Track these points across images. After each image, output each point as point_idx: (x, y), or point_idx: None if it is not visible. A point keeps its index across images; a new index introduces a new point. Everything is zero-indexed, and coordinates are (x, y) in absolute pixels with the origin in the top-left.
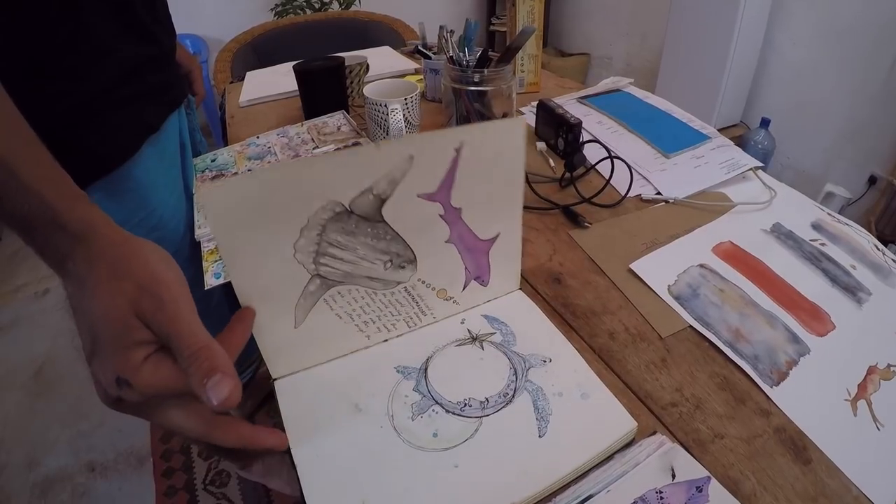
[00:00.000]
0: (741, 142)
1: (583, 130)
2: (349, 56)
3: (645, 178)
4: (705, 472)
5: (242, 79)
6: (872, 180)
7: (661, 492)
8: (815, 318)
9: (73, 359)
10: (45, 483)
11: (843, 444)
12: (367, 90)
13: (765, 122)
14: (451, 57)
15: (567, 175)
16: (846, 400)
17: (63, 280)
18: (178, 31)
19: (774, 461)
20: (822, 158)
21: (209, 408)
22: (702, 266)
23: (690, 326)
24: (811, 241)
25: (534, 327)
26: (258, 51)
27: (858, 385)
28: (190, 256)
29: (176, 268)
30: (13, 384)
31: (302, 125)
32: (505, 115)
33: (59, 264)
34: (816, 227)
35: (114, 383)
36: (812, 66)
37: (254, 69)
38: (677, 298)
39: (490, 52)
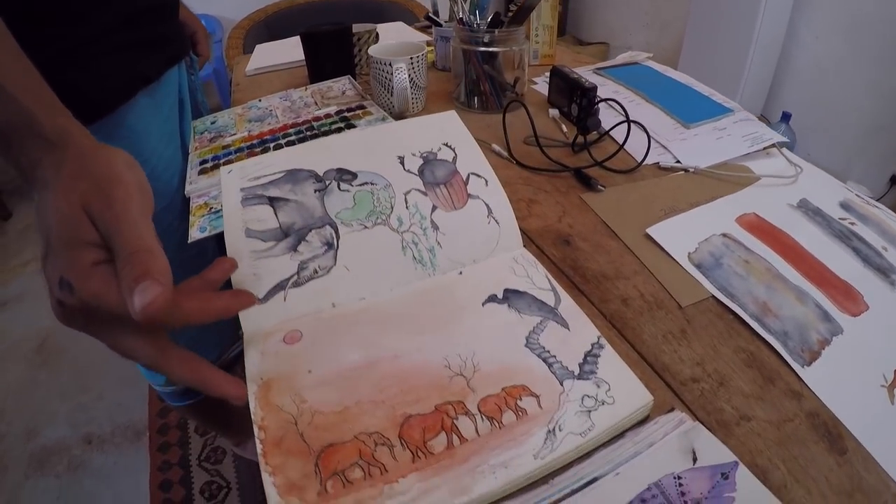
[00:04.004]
0: None
1: (599, 98)
2: (360, 25)
3: (664, 146)
4: (732, 457)
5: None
6: (894, 180)
7: (679, 477)
8: (848, 297)
9: (76, 333)
10: (43, 454)
11: (882, 435)
12: (373, 50)
13: (785, 117)
14: (461, 18)
15: (580, 139)
16: (882, 386)
17: (33, 189)
18: (194, 11)
19: (807, 449)
20: (843, 156)
21: (134, 316)
22: (725, 235)
23: (713, 297)
24: (840, 219)
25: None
26: (271, 28)
27: (895, 371)
28: (181, 211)
29: (140, 174)
30: (17, 356)
31: (305, 89)
32: (517, 82)
33: (31, 172)
34: (845, 206)
35: (57, 284)
36: (835, 60)
37: None
38: (698, 267)
39: (502, 17)
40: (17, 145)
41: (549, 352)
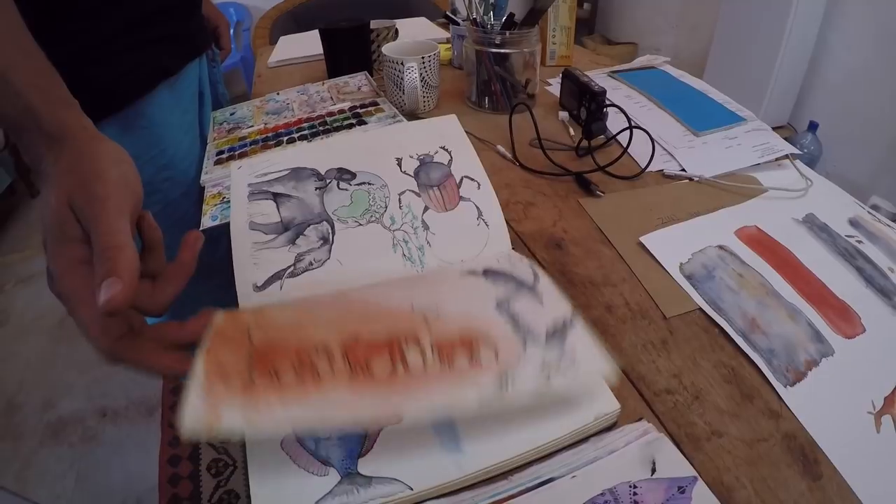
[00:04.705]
0: None
1: (608, 102)
2: (379, 21)
3: (670, 153)
4: (692, 472)
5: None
6: None
7: (635, 486)
8: (844, 318)
9: None
10: (58, 424)
11: (861, 463)
12: (386, 48)
13: (812, 126)
14: (475, 19)
15: (585, 143)
16: (870, 413)
17: (39, 181)
18: None
19: (779, 471)
20: (870, 169)
21: (99, 308)
22: (721, 247)
23: (700, 309)
24: (847, 236)
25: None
26: (298, 20)
27: (885, 398)
28: (198, 199)
29: (127, 169)
30: (39, 329)
31: (323, 84)
32: (528, 83)
33: (36, 165)
34: (854, 223)
35: (47, 270)
36: (866, 70)
37: None
38: (689, 278)
39: (515, 19)
40: (26, 140)
41: (517, 317)
